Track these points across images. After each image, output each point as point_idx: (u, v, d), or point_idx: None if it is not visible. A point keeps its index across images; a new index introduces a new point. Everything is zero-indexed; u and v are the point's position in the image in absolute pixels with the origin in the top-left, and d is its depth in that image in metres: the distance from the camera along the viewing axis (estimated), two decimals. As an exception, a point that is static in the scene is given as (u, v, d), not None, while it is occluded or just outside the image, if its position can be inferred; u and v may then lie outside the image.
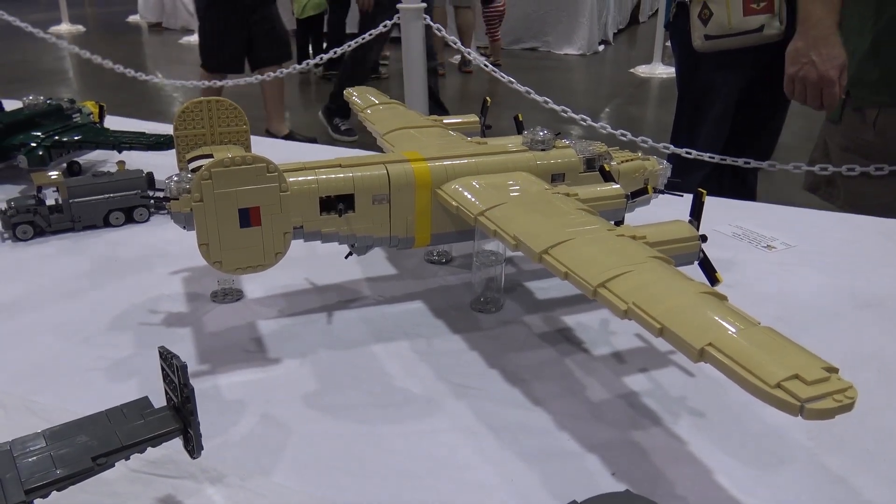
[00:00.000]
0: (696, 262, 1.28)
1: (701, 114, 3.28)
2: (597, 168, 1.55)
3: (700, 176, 3.33)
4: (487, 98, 1.92)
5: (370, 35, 4.09)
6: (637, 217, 1.55)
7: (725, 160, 2.97)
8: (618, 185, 1.45)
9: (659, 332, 0.94)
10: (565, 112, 3.26)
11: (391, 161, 1.43)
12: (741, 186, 3.52)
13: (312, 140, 5.56)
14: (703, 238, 1.29)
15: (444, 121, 1.88)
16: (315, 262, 1.63)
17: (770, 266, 1.73)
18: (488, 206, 1.33)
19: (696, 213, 1.30)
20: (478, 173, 1.46)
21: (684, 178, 3.46)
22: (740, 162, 2.96)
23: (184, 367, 0.81)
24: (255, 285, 1.55)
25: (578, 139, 1.62)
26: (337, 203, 1.37)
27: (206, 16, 5.37)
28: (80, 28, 11.70)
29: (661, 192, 1.68)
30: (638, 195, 1.46)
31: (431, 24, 3.70)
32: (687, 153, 2.96)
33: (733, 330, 0.90)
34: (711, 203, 2.13)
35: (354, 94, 2.11)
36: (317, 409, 1.18)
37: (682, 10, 3.04)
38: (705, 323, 0.92)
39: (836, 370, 0.82)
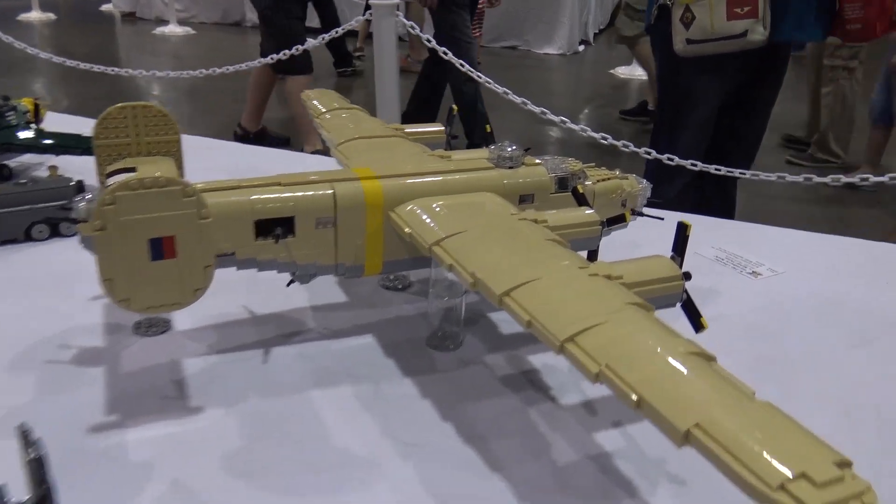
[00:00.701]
0: (678, 304, 1.13)
1: (682, 119, 3.17)
2: (570, 188, 1.40)
3: (680, 183, 3.22)
4: (454, 106, 1.76)
5: (342, 30, 3.91)
6: (614, 240, 1.40)
7: (708, 168, 2.86)
8: (592, 211, 1.30)
9: (636, 405, 0.79)
10: (544, 114, 3.12)
11: (338, 179, 1.26)
12: (722, 195, 3.41)
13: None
14: (687, 276, 1.14)
15: (407, 130, 1.72)
16: (254, 287, 1.46)
17: (756, 296, 1.58)
18: (445, 235, 1.17)
19: (680, 248, 1.14)
20: (437, 194, 1.30)
21: (664, 186, 3.37)
22: (723, 171, 2.85)
23: (39, 459, 0.64)
24: (184, 314, 1.37)
25: (551, 156, 1.46)
26: (274, 227, 1.20)
27: (275, 16, 4.82)
28: (51, 16, 11.36)
29: (640, 214, 1.53)
30: (615, 223, 1.31)
31: (406, 21, 3.53)
32: (669, 160, 2.85)
33: (725, 407, 0.75)
34: (691, 221, 2.00)
35: (314, 98, 1.94)
36: (238, 473, 1.01)
37: (664, 13, 2.91)
38: (692, 397, 0.77)
39: (849, 464, 0.68)
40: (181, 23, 10.65)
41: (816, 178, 2.58)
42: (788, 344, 1.39)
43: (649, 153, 2.94)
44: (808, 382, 1.28)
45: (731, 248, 1.80)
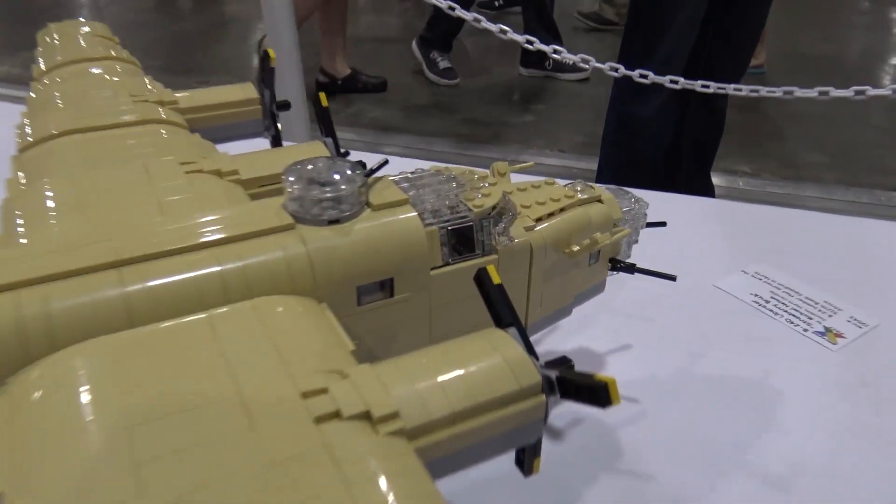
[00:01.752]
0: None
1: (664, 20, 2.46)
2: (478, 251, 0.63)
3: (659, 101, 2.51)
4: (265, 43, 0.94)
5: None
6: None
7: (693, 86, 2.13)
8: (519, 349, 0.52)
9: None
10: (478, 21, 2.33)
11: None
12: (708, 109, 2.70)
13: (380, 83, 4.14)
14: None
15: (184, 104, 0.91)
16: None
17: (839, 391, 0.85)
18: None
19: None
20: (145, 320, 0.52)
21: (638, 104, 2.63)
22: (713, 87, 2.13)
23: None
24: None
25: (436, 174, 0.68)
26: None
27: None
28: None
29: (631, 269, 0.77)
30: (575, 395, 0.53)
31: None
32: (642, 76, 2.13)
33: None
34: (693, 205, 1.24)
35: (52, 34, 1.11)
36: None
37: None
38: None
39: None
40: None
41: (764, 91, 1.99)
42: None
43: (616, 69, 2.20)
44: None
45: (777, 274, 1.05)
